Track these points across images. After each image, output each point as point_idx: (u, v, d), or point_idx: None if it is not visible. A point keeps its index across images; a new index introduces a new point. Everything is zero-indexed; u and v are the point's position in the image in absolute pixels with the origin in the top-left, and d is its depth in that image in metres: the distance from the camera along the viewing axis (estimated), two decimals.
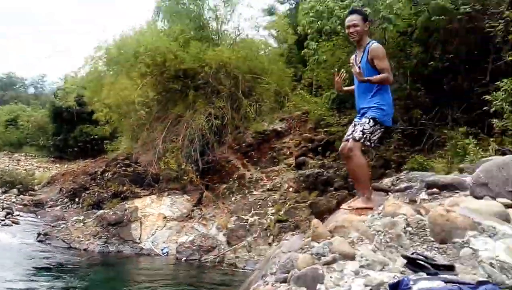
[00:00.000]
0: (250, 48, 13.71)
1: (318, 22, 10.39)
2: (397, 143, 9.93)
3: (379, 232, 2.95)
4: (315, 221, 3.35)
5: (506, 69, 8.94)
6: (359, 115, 4.13)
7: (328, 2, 10.26)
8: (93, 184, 15.01)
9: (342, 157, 4.59)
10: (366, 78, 3.94)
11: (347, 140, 4.07)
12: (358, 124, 4.01)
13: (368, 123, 3.93)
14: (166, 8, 14.45)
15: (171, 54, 12.04)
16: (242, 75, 12.89)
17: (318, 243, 3.01)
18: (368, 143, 4.01)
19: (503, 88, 7.94)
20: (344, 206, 4.26)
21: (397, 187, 6.24)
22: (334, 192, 10.14)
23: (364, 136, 3.93)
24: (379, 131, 4.01)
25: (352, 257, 2.70)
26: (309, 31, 10.78)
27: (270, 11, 21.75)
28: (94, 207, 13.29)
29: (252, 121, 14.11)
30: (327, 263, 2.72)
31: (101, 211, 11.94)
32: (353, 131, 4.03)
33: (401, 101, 10.36)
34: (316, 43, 11.24)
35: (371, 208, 3.95)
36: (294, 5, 22.01)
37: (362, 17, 4.07)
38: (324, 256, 2.81)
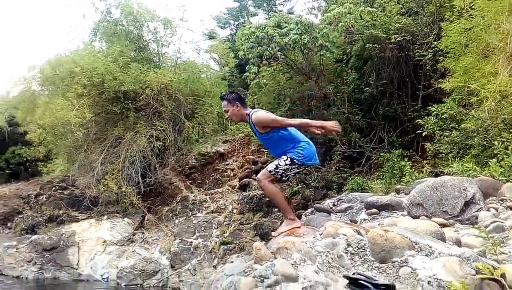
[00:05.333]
0: (192, 70, 13.70)
1: (259, 48, 10.63)
2: (338, 165, 10.23)
3: (321, 253, 2.99)
4: (257, 243, 3.35)
5: (436, 95, 9.56)
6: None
7: (267, 29, 10.53)
8: (27, 208, 14.16)
9: None
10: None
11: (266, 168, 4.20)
12: (277, 158, 4.13)
13: (285, 160, 4.04)
14: (104, 29, 14.15)
15: (110, 75, 11.77)
16: (184, 97, 12.82)
17: (261, 265, 3.00)
18: (279, 176, 4.09)
19: (433, 113, 8.46)
20: (273, 233, 4.35)
21: (339, 208, 6.43)
22: (278, 213, 10.23)
23: (277, 170, 4.04)
24: (296, 169, 4.14)
25: (294, 279, 2.72)
26: (249, 56, 10.99)
27: (211, 35, 21.98)
28: (27, 232, 12.54)
29: (195, 143, 14.03)
30: (270, 286, 2.72)
31: (36, 236, 11.33)
32: (270, 163, 4.18)
33: (340, 125, 10.74)
34: (257, 68, 11.48)
35: (298, 227, 4.07)
36: (234, 30, 22.38)
37: (227, 102, 4.26)
38: (267, 278, 2.80)
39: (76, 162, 12.76)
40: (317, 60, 11.23)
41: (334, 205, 6.74)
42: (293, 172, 4.15)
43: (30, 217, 13.29)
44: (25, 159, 19.68)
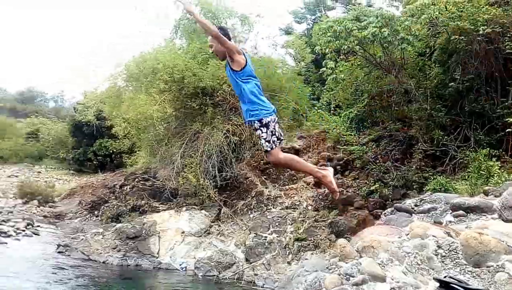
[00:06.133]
0: (268, 66, 13.83)
1: (336, 42, 10.46)
2: (419, 164, 9.85)
3: (409, 254, 2.92)
4: (341, 240, 3.35)
5: None
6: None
7: (346, 22, 10.33)
8: (112, 197, 15.06)
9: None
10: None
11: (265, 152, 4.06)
12: (258, 137, 3.99)
13: (263, 131, 3.87)
14: (184, 26, 14.71)
15: (189, 72, 12.20)
16: None
17: (346, 263, 2.99)
18: (278, 143, 3.91)
19: None
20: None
21: (421, 208, 6.21)
22: (354, 212, 10.03)
23: (270, 143, 3.87)
24: (275, 124, 3.93)
25: (382, 279, 2.68)
26: (326, 50, 10.85)
27: (288, 31, 22.02)
28: (113, 220, 13.28)
29: None
30: (356, 284, 2.70)
31: (120, 225, 11.92)
32: (261, 144, 4.01)
33: (422, 121, 10.35)
34: (334, 62, 11.31)
35: (326, 169, 4.00)
36: (311, 25, 22.29)
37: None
38: (353, 276, 2.78)
39: (157, 155, 13.38)
40: (397, 54, 10.87)
41: (416, 205, 6.53)
42: (276, 127, 3.92)
43: (115, 206, 14.09)
44: (111, 151, 21.08)
